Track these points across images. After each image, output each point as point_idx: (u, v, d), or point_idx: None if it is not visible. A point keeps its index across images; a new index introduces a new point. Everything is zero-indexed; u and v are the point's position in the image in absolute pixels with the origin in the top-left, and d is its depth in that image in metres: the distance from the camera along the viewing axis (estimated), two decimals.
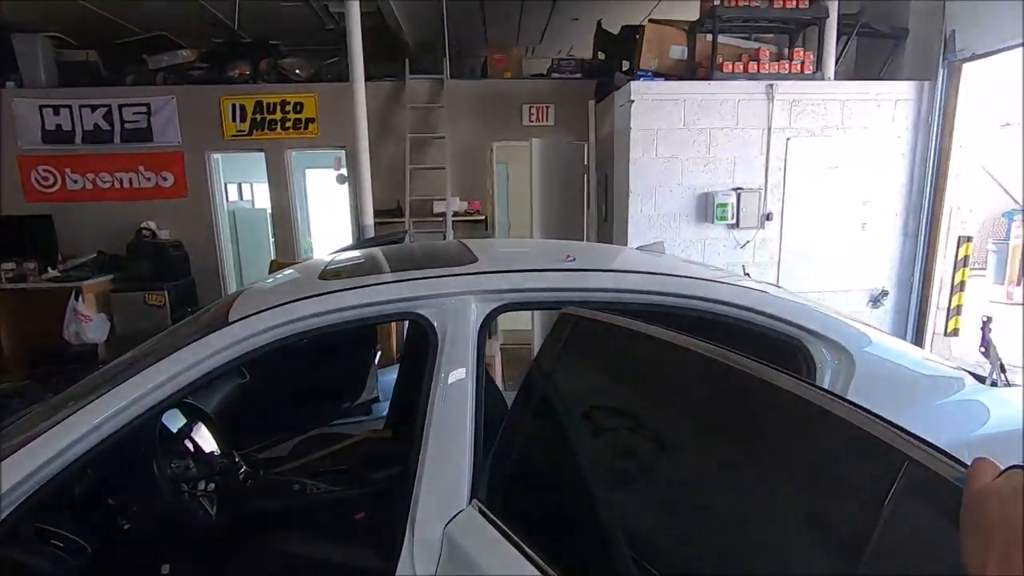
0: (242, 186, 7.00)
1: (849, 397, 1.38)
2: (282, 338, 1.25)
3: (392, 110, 5.13)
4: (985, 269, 8.92)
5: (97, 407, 1.14)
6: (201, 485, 1.50)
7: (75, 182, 5.04)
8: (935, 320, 4.16)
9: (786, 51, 4.20)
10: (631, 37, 4.64)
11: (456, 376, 1.27)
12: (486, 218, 5.21)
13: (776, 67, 4.04)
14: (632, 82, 3.96)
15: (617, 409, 1.04)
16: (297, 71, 5.12)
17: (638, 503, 0.98)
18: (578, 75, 5.23)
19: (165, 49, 5.11)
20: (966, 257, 4.06)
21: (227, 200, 6.47)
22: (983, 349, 1.57)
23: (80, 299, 4.53)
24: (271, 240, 5.38)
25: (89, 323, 4.53)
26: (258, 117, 5.03)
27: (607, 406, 1.09)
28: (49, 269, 4.79)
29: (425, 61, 5.55)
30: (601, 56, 5.24)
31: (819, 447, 0.74)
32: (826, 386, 1.41)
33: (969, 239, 4.04)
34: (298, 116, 5.06)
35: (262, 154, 5.14)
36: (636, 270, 1.49)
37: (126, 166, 5.03)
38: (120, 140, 4.98)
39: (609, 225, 4.82)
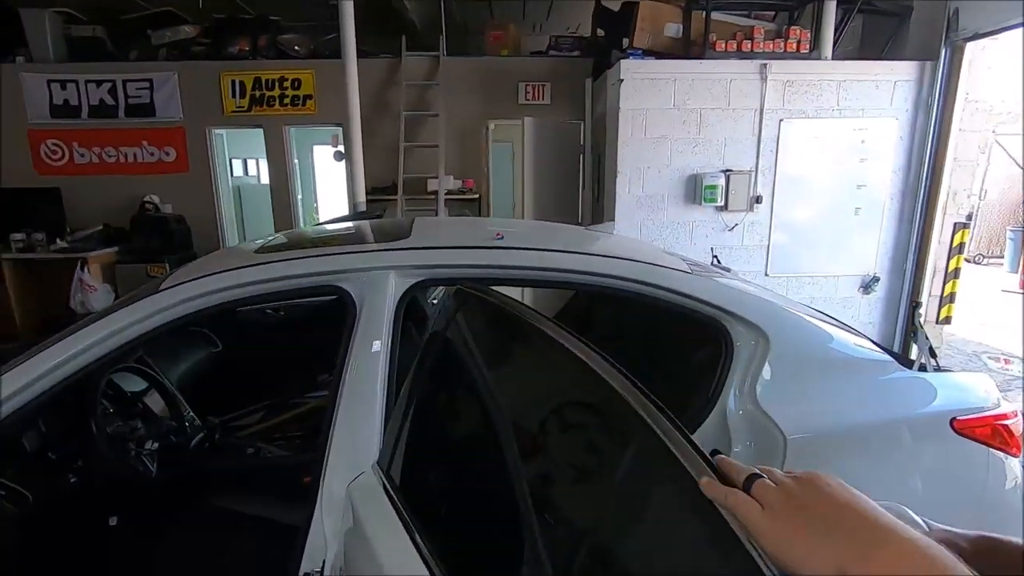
0: (247, 162, 7.10)
1: (765, 376, 1.43)
2: (206, 307, 1.31)
3: (388, 87, 5.15)
4: (1002, 258, 8.66)
5: (33, 364, 1.23)
6: (148, 445, 1.59)
7: (82, 156, 5.18)
8: (927, 307, 4.09)
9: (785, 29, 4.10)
10: (629, 14, 4.56)
11: (370, 347, 1.33)
12: (480, 197, 5.23)
13: (771, 46, 3.95)
14: (622, 60, 3.92)
15: (481, 381, 1.08)
16: (296, 47, 5.15)
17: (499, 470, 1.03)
18: (576, 53, 5.17)
19: (170, 25, 5.19)
20: (961, 244, 3.97)
21: (232, 175, 6.59)
22: (914, 335, 1.57)
23: (86, 270, 4.70)
24: (272, 215, 5.48)
25: (94, 293, 4.70)
26: (257, 93, 5.10)
27: (478, 379, 1.13)
28: (57, 240, 4.97)
29: (431, 39, 5.52)
30: (600, 34, 5.16)
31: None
32: (741, 365, 1.44)
33: (965, 225, 3.94)
34: (296, 93, 5.11)
35: (261, 130, 5.21)
36: (557, 249, 1.51)
37: (130, 140, 5.15)
38: (124, 115, 5.09)
39: (600, 205, 4.81)
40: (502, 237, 1.58)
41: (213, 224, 5.36)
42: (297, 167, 8.24)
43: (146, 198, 5.12)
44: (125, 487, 1.54)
